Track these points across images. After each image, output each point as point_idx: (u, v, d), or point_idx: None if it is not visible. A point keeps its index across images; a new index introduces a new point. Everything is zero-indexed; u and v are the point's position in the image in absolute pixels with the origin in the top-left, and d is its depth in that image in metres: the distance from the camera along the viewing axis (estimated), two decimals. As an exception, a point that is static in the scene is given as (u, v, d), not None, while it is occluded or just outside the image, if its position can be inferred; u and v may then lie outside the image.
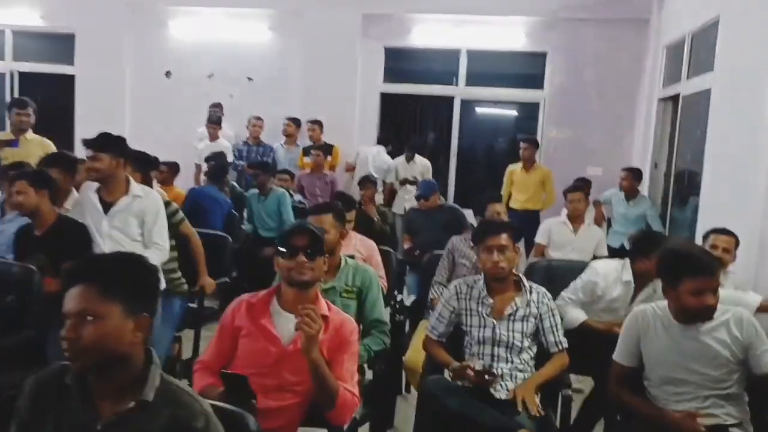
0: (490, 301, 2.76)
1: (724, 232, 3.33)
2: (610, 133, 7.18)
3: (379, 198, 6.99)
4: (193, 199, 5.43)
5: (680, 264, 2.35)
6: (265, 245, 5.16)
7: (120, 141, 3.35)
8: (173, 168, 6.05)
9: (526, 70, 7.72)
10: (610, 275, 3.29)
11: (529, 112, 7.64)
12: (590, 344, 3.19)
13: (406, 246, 5.43)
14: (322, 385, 2.09)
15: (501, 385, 2.63)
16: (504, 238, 2.75)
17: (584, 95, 7.19)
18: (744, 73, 4.17)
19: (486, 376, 2.56)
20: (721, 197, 4.49)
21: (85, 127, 7.68)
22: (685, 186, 5.67)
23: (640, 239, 3.33)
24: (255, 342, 2.19)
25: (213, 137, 7.04)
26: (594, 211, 6.07)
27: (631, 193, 5.94)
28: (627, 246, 5.86)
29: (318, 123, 7.06)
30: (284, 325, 2.23)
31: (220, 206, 5.37)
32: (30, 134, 4.95)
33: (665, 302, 2.46)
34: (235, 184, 6.22)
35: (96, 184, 3.34)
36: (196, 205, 5.27)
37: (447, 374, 2.75)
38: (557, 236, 4.86)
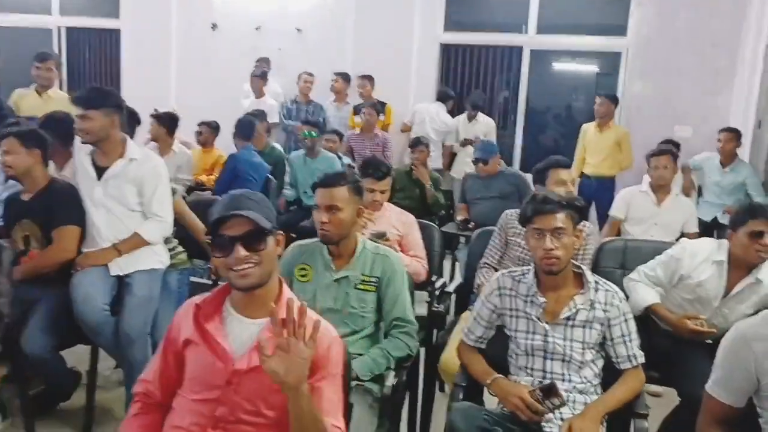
0: (542, 300, 2.14)
1: None
2: (704, 87, 6.18)
3: (438, 162, 6.40)
4: (232, 165, 4.92)
5: None
6: (310, 213, 4.63)
7: (112, 95, 2.87)
8: (213, 127, 5.62)
9: (607, 15, 6.75)
10: (700, 254, 2.65)
11: (612, 66, 6.71)
12: (666, 343, 2.59)
13: (460, 217, 4.82)
14: (305, 429, 1.51)
15: (554, 414, 2.02)
16: (560, 219, 2.09)
17: (675, 44, 6.18)
18: None
19: (547, 402, 1.96)
20: None
21: (131, 82, 7.45)
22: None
23: (743, 211, 2.61)
24: (201, 356, 1.62)
25: (259, 94, 6.57)
26: (682, 179, 5.26)
27: (729, 157, 5.07)
28: (720, 220, 5.07)
29: (369, 78, 6.46)
30: (239, 333, 1.64)
31: (256, 171, 4.86)
32: (54, 90, 4.60)
33: None
34: (275, 145, 5.72)
35: (89, 147, 2.90)
36: (235, 173, 4.80)
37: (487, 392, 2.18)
38: (637, 209, 4.12)
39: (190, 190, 4.97)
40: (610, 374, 2.15)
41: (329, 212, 2.30)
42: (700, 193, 5.40)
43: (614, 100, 5.64)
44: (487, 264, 3.11)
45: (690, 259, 2.67)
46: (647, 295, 2.69)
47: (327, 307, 2.31)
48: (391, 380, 2.26)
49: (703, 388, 2.41)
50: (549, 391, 1.95)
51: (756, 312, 2.60)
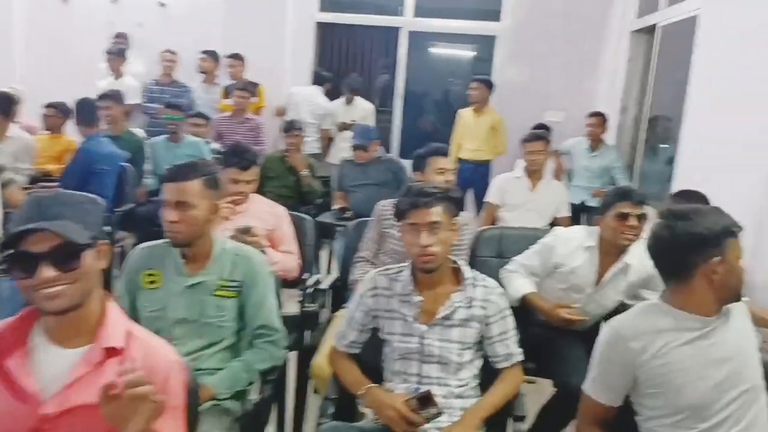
0: (418, 299, 1.98)
1: None
2: (574, 73, 6.35)
3: (316, 147, 6.16)
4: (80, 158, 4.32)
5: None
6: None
7: None
8: (62, 110, 5.01)
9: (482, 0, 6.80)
10: (573, 240, 2.64)
11: (488, 50, 6.75)
12: (540, 333, 2.57)
13: (337, 205, 4.62)
14: None
15: (431, 423, 1.86)
16: (436, 212, 1.93)
17: (546, 29, 6.29)
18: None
19: (423, 413, 1.80)
20: (705, 148, 3.77)
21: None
22: (658, 134, 4.95)
23: (611, 195, 2.60)
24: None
25: (117, 74, 5.99)
26: (553, 164, 5.37)
27: (597, 142, 5.23)
28: (589, 203, 5.22)
29: (238, 57, 6.06)
30: (50, 367, 1.34)
31: (108, 161, 4.33)
32: None
33: (653, 298, 1.75)
34: (134, 130, 5.21)
35: None
36: (83, 166, 4.23)
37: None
38: (512, 195, 4.12)
39: (34, 180, 4.40)
40: (488, 374, 2.03)
41: (179, 209, 2.01)
42: (569, 178, 5.53)
43: (489, 85, 5.64)
44: (363, 258, 2.93)
45: (563, 246, 2.65)
46: (522, 286, 2.63)
47: (179, 318, 2.03)
48: (254, 395, 2.03)
49: (576, 376, 2.40)
50: (424, 401, 1.80)
51: (625, 302, 2.63)
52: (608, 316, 2.60)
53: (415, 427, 1.82)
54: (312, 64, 6.75)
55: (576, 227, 2.86)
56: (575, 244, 2.63)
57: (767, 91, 2.99)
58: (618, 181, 5.22)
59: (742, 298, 1.67)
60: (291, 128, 4.96)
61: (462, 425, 1.85)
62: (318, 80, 6.36)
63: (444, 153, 3.10)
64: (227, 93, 5.98)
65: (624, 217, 2.48)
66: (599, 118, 5.25)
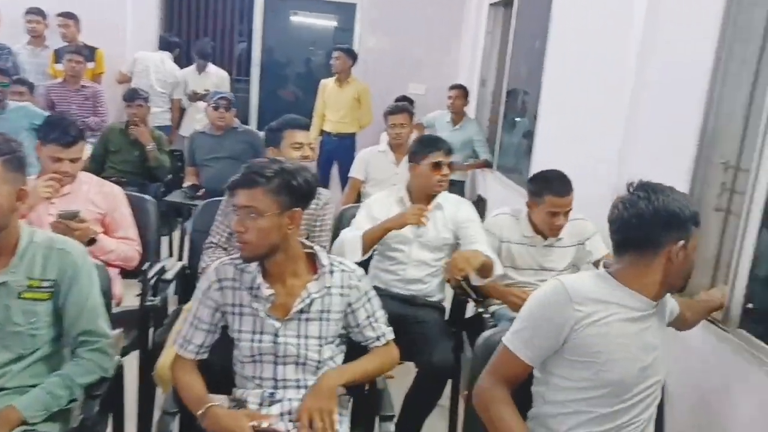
0: (269, 292, 1.74)
1: None
2: (435, 44, 6.32)
3: (166, 118, 5.66)
4: None
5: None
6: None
7: None
8: None
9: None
10: (386, 197, 2.82)
11: (349, 20, 6.52)
12: (399, 312, 2.43)
13: (188, 182, 4.23)
14: None
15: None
16: (251, 196, 1.66)
17: (407, -1, 6.21)
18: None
19: None
20: (561, 121, 3.83)
21: None
22: (517, 107, 5.01)
23: (424, 143, 2.77)
24: None
25: None
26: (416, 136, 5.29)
27: (458, 115, 5.21)
28: (451, 176, 5.20)
29: (71, 16, 5.38)
30: None
31: None
32: None
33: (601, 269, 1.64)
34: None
35: None
36: None
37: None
38: (377, 169, 3.97)
39: None
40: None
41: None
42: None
43: (351, 54, 5.43)
44: (214, 243, 2.62)
45: (379, 204, 2.76)
46: (351, 234, 2.62)
47: (-25, 328, 1.65)
48: (77, 413, 1.71)
49: (438, 354, 2.35)
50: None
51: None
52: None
53: None
54: (157, 27, 6.17)
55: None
56: (389, 199, 2.77)
57: (616, 64, 3.02)
58: (479, 154, 5.26)
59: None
60: (134, 97, 4.48)
61: (317, 393, 1.69)
62: (165, 46, 5.85)
63: (301, 125, 2.79)
64: (58, 57, 5.29)
65: (438, 166, 2.64)
66: (460, 90, 5.23)
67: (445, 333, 2.57)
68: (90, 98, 5.01)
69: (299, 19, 7.01)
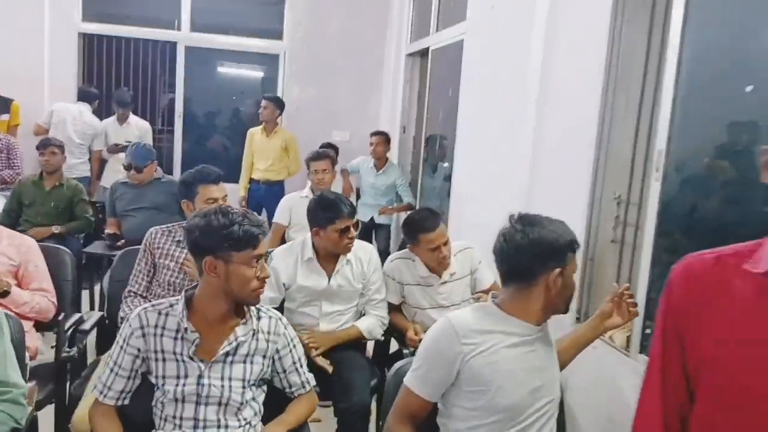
0: (195, 336, 1.78)
1: None
2: (358, 92, 6.52)
3: (86, 170, 5.56)
4: None
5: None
6: None
7: None
8: None
9: (264, 18, 6.68)
10: (290, 257, 2.78)
11: (275, 69, 6.67)
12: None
13: (109, 231, 4.17)
14: None
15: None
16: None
17: (328, 48, 6.39)
18: (502, 20, 3.67)
19: None
20: (475, 164, 4.04)
21: None
22: (436, 151, 5.23)
23: (324, 213, 2.66)
24: None
25: None
26: (342, 182, 5.42)
27: (381, 160, 5.37)
28: (377, 220, 5.35)
29: (-16, 69, 5.28)
30: None
31: None
32: None
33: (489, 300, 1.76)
34: None
35: None
36: None
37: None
38: (299, 214, 4.02)
39: None
40: (270, 411, 1.90)
41: None
42: (358, 196, 5.63)
43: (278, 103, 5.54)
44: (133, 292, 2.62)
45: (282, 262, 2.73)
46: None
47: None
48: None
49: (357, 396, 2.39)
50: None
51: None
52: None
53: None
54: (76, 78, 6.10)
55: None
56: (292, 257, 2.72)
57: (519, 111, 3.24)
58: (403, 198, 5.42)
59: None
60: (47, 144, 4.37)
61: None
62: (83, 96, 5.76)
63: (214, 180, 2.74)
64: (-30, 109, 5.16)
65: (345, 230, 2.62)
66: (381, 137, 5.40)
67: (365, 371, 2.61)
68: (3, 150, 4.89)
69: (225, 69, 7.08)
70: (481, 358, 1.63)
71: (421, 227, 2.71)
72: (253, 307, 1.86)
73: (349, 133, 6.42)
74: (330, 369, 2.50)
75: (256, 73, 7.18)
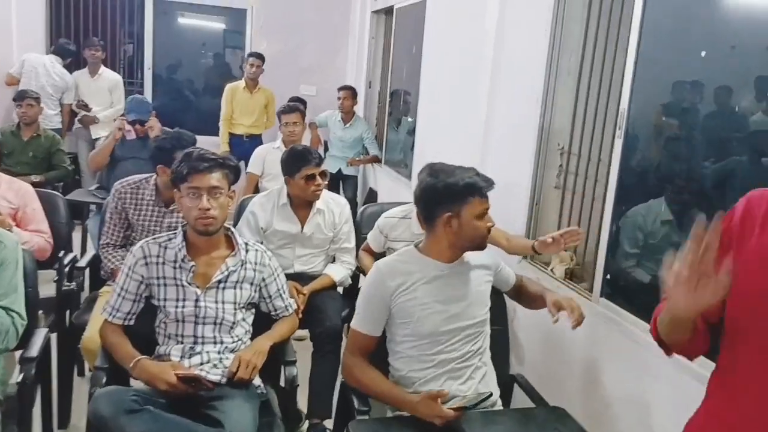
0: (192, 264, 2.07)
1: None
2: (325, 48, 6.70)
3: (56, 121, 5.65)
4: None
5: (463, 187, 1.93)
6: None
7: None
8: None
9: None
10: (267, 203, 3.03)
11: (240, 23, 6.77)
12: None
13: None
14: None
15: (209, 375, 1.99)
16: (216, 178, 2.05)
17: (296, 4, 6.53)
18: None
19: (193, 383, 1.92)
20: (436, 118, 4.32)
21: None
22: (400, 106, 5.49)
23: (293, 159, 2.92)
24: None
25: None
26: (311, 135, 5.65)
27: (348, 114, 5.61)
28: (344, 171, 5.62)
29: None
30: None
31: None
32: None
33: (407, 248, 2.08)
34: None
35: None
36: None
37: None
38: (272, 165, 4.26)
39: None
40: (258, 329, 2.20)
41: None
42: (326, 148, 5.87)
43: (263, 61, 5.72)
44: (111, 244, 2.81)
45: (261, 209, 2.98)
46: None
47: None
48: (15, 378, 1.95)
49: (328, 321, 2.70)
50: (194, 382, 1.91)
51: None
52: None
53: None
54: (45, 29, 6.13)
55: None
56: (269, 204, 2.99)
57: (475, 69, 3.49)
58: (369, 150, 5.69)
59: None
60: (24, 96, 4.50)
61: (253, 348, 2.08)
62: (59, 51, 5.79)
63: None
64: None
65: (311, 177, 2.88)
66: (348, 91, 5.61)
67: (337, 302, 2.91)
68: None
69: (186, 20, 7.10)
70: (404, 295, 1.96)
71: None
72: (242, 242, 2.15)
73: (316, 87, 6.62)
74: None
75: (217, 25, 7.24)
